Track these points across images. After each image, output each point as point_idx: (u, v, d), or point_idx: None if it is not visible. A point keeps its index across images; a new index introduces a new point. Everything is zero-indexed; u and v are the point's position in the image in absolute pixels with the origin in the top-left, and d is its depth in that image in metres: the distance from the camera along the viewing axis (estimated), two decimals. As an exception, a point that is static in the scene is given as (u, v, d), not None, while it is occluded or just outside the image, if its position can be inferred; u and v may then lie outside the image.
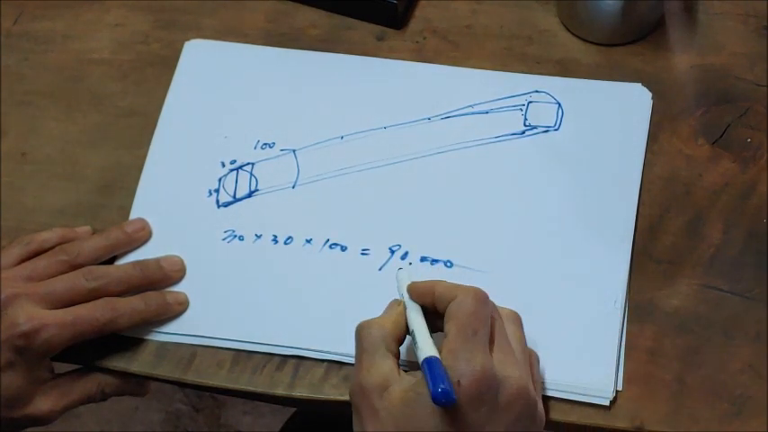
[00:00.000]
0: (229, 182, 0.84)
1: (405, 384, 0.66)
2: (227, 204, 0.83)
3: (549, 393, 0.74)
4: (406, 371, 0.69)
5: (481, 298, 0.68)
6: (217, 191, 0.83)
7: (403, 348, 0.71)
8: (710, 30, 0.88)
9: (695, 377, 0.74)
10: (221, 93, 0.88)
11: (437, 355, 0.66)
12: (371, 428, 0.66)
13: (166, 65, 0.89)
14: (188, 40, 0.90)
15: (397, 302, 0.72)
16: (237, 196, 0.83)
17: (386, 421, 0.66)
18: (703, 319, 0.76)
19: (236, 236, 0.81)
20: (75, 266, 0.77)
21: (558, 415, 0.73)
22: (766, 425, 0.72)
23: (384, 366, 0.67)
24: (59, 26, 0.92)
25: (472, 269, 0.78)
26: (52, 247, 0.79)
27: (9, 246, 0.79)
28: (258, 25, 0.91)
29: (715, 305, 0.77)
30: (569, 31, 0.89)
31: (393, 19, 0.89)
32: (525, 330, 0.74)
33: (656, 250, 0.79)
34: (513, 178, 0.82)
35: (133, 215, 0.83)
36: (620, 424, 0.73)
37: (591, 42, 0.88)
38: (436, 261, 0.79)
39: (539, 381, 0.72)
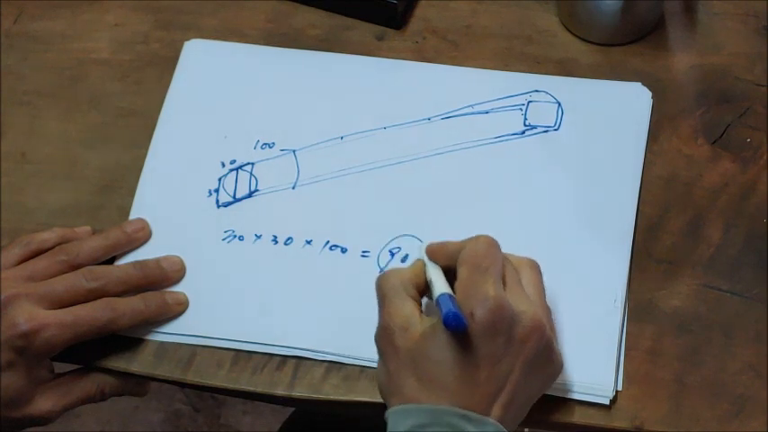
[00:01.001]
0: (229, 182, 0.84)
1: (425, 324, 0.68)
2: (227, 204, 0.83)
3: (550, 393, 0.73)
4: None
5: (491, 242, 0.70)
6: (217, 191, 0.83)
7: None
8: (710, 30, 0.88)
9: (695, 377, 0.74)
10: (221, 93, 0.88)
11: (451, 292, 0.68)
12: (392, 366, 0.68)
13: (166, 65, 0.89)
14: (188, 40, 0.90)
15: (418, 260, 0.74)
16: (237, 196, 0.83)
17: (405, 358, 0.67)
18: (703, 319, 0.76)
19: (235, 236, 0.81)
20: (74, 266, 0.77)
21: (557, 415, 0.73)
22: (766, 425, 0.72)
23: (405, 308, 0.69)
24: (59, 26, 0.92)
25: (472, 269, 0.78)
26: (52, 248, 0.79)
27: (9, 246, 0.79)
28: (258, 25, 0.91)
29: (715, 305, 0.77)
30: (569, 30, 0.89)
31: (393, 19, 0.89)
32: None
33: (656, 250, 0.79)
34: (514, 178, 0.82)
35: (133, 215, 0.83)
36: (620, 424, 0.73)
37: (591, 42, 0.88)
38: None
39: (555, 330, 0.73)
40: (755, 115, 0.84)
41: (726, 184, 0.81)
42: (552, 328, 0.72)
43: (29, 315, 0.73)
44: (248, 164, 0.84)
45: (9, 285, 0.74)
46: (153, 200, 0.83)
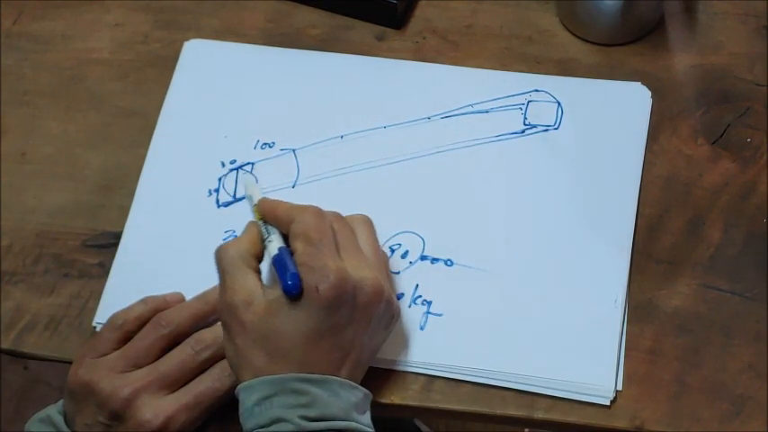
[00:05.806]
0: (229, 181, 0.84)
1: (269, 296, 0.69)
2: (227, 204, 0.83)
3: (550, 393, 0.74)
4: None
5: (318, 212, 0.72)
6: (217, 191, 0.83)
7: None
8: (710, 30, 0.88)
9: (695, 377, 0.74)
10: (221, 93, 0.88)
11: (284, 245, 0.71)
12: (240, 341, 0.69)
13: (166, 65, 0.89)
14: (188, 40, 0.90)
15: (252, 223, 0.75)
16: (237, 196, 0.83)
17: (252, 333, 0.68)
18: (703, 319, 0.76)
19: (236, 236, 0.81)
20: (176, 338, 0.74)
21: (558, 415, 0.73)
22: (766, 425, 0.72)
23: (247, 282, 0.70)
24: (59, 26, 0.92)
25: (472, 268, 0.78)
26: (145, 322, 0.75)
27: (103, 330, 0.75)
28: (258, 25, 0.91)
29: (715, 305, 0.77)
30: (569, 30, 0.89)
31: (393, 19, 0.89)
32: (526, 329, 0.75)
33: (656, 250, 0.79)
34: (513, 177, 0.82)
35: (133, 215, 0.82)
36: (620, 424, 0.73)
37: (591, 42, 0.88)
38: (436, 260, 0.79)
39: (392, 280, 0.75)
40: (755, 115, 0.84)
41: (726, 184, 0.81)
42: (389, 280, 0.74)
43: (154, 410, 0.71)
44: (248, 163, 0.84)
45: (125, 383, 0.71)
46: (153, 200, 0.83)
